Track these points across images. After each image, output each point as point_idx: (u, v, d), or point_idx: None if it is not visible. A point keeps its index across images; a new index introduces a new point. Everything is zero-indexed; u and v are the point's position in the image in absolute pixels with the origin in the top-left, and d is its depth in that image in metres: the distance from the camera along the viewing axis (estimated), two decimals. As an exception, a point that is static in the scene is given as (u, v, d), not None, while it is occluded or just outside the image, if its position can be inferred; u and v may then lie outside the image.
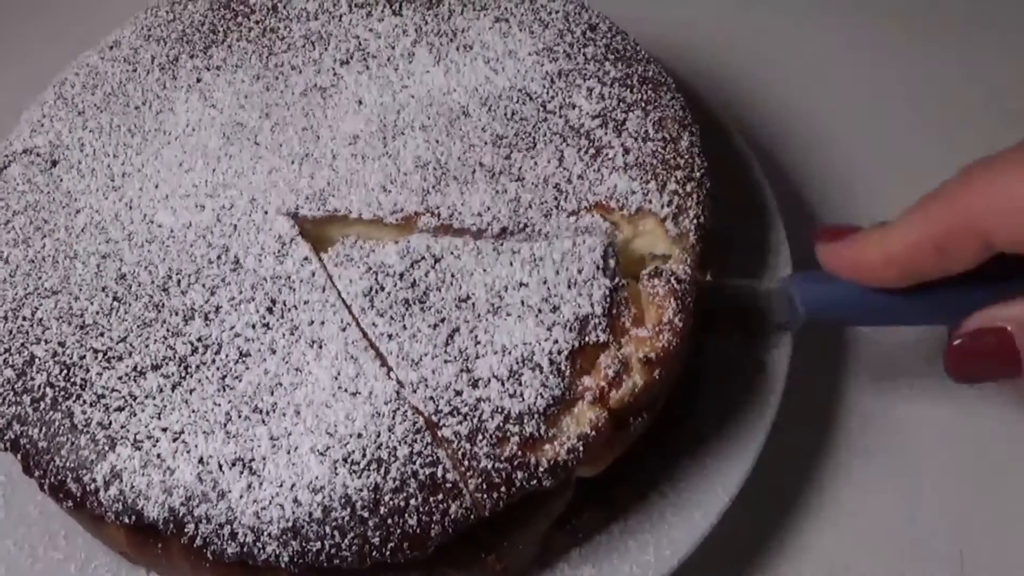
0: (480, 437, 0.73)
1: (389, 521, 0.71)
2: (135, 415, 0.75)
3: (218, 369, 0.77)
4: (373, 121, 0.90)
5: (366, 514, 0.71)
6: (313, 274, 0.80)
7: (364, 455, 0.72)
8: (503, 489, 0.72)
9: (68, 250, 0.84)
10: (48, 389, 0.77)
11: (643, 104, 0.90)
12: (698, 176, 0.87)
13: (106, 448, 0.74)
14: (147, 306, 0.80)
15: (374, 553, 0.71)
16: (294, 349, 0.78)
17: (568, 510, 0.81)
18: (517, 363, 0.75)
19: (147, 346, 0.78)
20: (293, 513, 0.71)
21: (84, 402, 0.76)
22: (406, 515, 0.71)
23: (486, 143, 0.88)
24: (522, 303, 0.78)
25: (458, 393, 0.74)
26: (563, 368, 0.75)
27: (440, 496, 0.72)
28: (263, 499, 0.71)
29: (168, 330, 0.79)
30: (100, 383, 0.76)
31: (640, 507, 0.84)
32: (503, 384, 0.74)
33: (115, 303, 0.81)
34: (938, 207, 0.71)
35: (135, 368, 0.77)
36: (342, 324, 0.78)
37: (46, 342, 0.79)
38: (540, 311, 0.77)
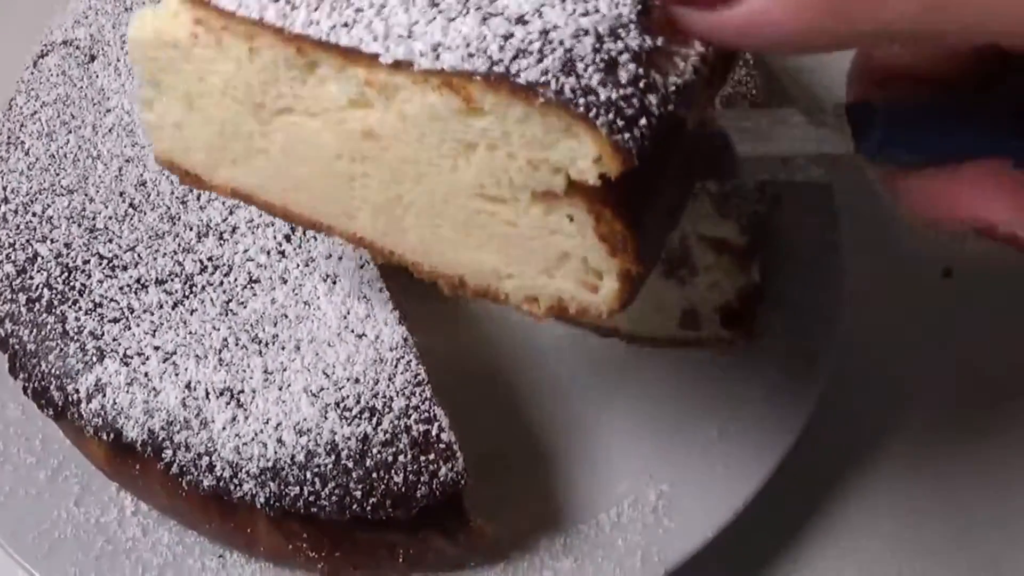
0: (580, 65, 0.50)
1: (374, 475, 0.67)
2: (129, 329, 0.71)
3: (224, 292, 0.73)
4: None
5: (351, 464, 0.67)
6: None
7: (358, 402, 0.68)
8: (642, 122, 0.50)
9: (92, 149, 0.80)
10: (45, 290, 0.73)
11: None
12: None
13: (94, 359, 0.70)
14: (162, 217, 0.77)
15: (355, 507, 0.67)
16: (306, 281, 0.74)
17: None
18: None
19: (155, 259, 0.74)
20: (275, 453, 0.67)
21: (79, 308, 0.72)
22: (393, 471, 0.67)
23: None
24: None
25: (508, 36, 0.51)
26: None
27: (431, 456, 0.67)
28: (246, 434, 0.67)
29: (180, 245, 0.75)
30: (99, 291, 0.73)
31: (637, 503, 0.78)
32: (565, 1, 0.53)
33: (130, 210, 0.77)
34: None
35: (138, 280, 0.73)
36: (360, 260, 0.74)
37: (52, 241, 0.75)
38: None
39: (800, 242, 0.89)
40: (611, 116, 0.49)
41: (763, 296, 0.83)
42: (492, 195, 0.56)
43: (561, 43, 0.50)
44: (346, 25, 0.54)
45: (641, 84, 0.50)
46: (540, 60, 0.50)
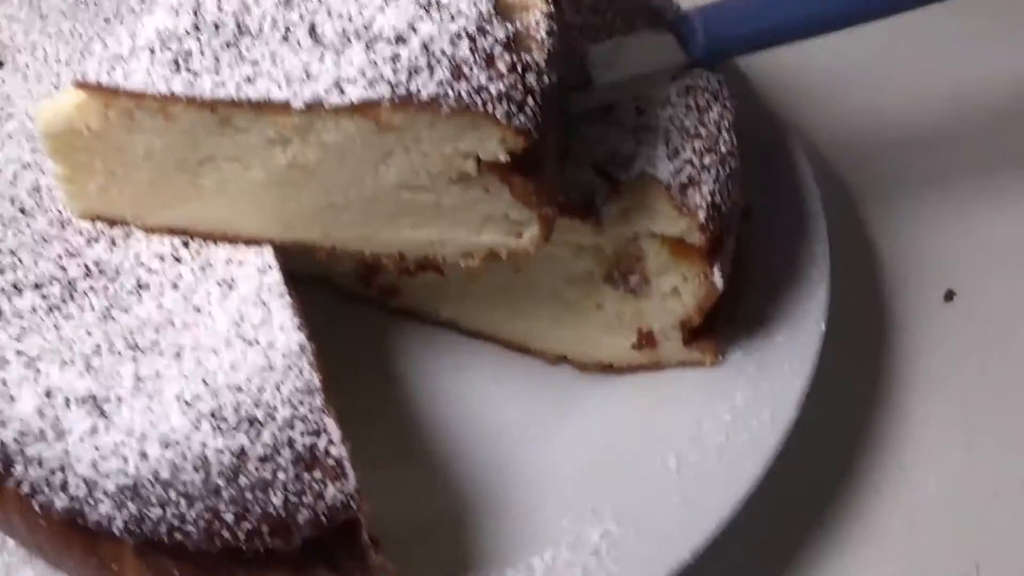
0: (465, 69, 0.60)
1: (248, 496, 0.57)
2: (-7, 333, 0.63)
3: (107, 298, 0.66)
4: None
5: (222, 482, 0.57)
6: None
7: (237, 412, 0.59)
8: (530, 101, 0.61)
9: (-11, 155, 0.74)
10: (-93, 294, 0.66)
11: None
12: (723, 151, 0.72)
13: (-51, 365, 0.62)
14: (52, 222, 0.70)
15: (225, 533, 0.57)
16: (199, 287, 0.67)
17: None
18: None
19: (36, 263, 0.67)
20: (136, 469, 0.58)
21: (-57, 313, 0.65)
22: (271, 491, 0.57)
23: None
24: None
25: (395, 58, 0.60)
26: None
27: (317, 474, 0.58)
28: (105, 446, 0.58)
29: (66, 249, 0.69)
30: (-32, 295, 0.65)
31: (576, 544, 0.68)
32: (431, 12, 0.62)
33: (19, 214, 0.70)
34: None
35: (14, 284, 0.66)
36: (262, 265, 0.68)
37: (-75, 246, 0.68)
38: None
39: (777, 251, 0.80)
40: (505, 105, 0.60)
41: (733, 308, 0.74)
42: (413, 185, 0.65)
43: (444, 52, 0.60)
44: (249, 80, 0.61)
45: (518, 68, 0.61)
46: (432, 74, 0.60)
